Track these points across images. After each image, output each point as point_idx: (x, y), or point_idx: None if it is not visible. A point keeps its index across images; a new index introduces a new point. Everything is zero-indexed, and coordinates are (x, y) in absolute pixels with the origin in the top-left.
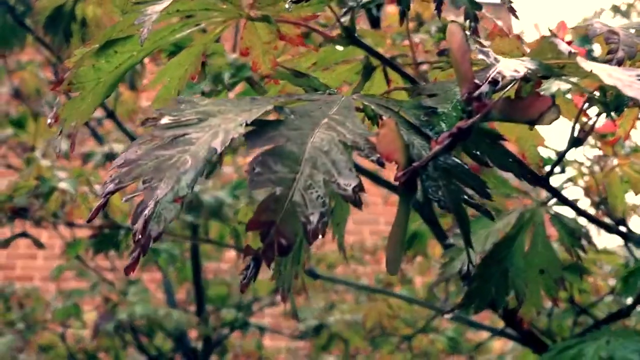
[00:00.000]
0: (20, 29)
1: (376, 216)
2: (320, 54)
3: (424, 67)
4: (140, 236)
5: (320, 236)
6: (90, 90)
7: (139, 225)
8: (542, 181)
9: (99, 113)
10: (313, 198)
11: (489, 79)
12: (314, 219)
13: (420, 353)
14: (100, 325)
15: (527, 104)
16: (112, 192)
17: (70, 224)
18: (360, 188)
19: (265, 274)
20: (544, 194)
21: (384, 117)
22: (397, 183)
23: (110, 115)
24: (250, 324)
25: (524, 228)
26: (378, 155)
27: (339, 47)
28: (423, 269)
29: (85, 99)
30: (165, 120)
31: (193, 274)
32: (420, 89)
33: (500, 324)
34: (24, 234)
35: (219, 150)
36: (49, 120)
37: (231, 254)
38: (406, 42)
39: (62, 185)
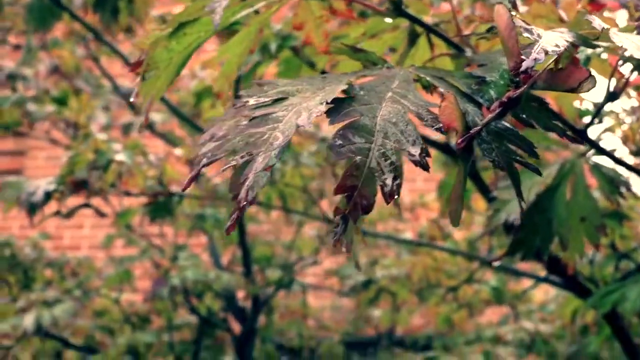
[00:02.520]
0: (56, 8)
1: (414, 175)
2: (369, 24)
3: (466, 32)
4: (244, 202)
5: (396, 196)
6: (163, 69)
7: (242, 193)
8: (581, 133)
9: (134, 84)
10: (387, 164)
11: (534, 54)
12: (389, 181)
13: (465, 303)
14: (155, 290)
15: (567, 74)
16: (206, 165)
17: (128, 193)
18: (426, 154)
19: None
20: (583, 145)
21: (439, 88)
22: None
23: None
24: (296, 281)
25: (564, 178)
26: (440, 124)
27: (388, 20)
28: (466, 222)
29: (160, 78)
30: (252, 101)
31: (239, 236)
32: (469, 59)
33: (542, 274)
34: (86, 205)
35: (306, 127)
36: (132, 98)
37: (273, 215)
38: (446, 7)
39: (119, 157)
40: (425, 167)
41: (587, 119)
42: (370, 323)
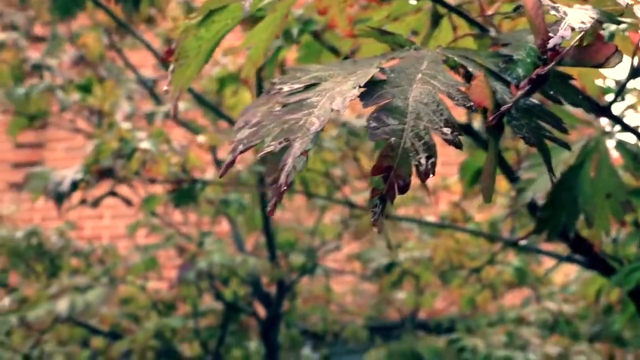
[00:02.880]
0: None
1: None
2: (392, 7)
3: (489, 12)
4: (285, 187)
5: (431, 175)
6: (193, 58)
7: (282, 178)
8: (605, 111)
9: (162, 72)
10: (421, 144)
11: (561, 31)
12: (424, 161)
13: (488, 284)
14: (182, 274)
15: (595, 50)
16: (243, 152)
17: (152, 181)
18: (459, 132)
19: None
20: (606, 122)
21: (468, 68)
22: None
23: None
24: (319, 266)
25: (589, 156)
26: (471, 103)
27: (412, 1)
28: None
29: (190, 66)
30: (286, 87)
31: (263, 221)
32: (493, 38)
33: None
34: (112, 193)
35: (341, 112)
36: (164, 87)
37: (295, 201)
38: None
39: (144, 145)
40: (459, 146)
41: (609, 97)
42: (393, 306)
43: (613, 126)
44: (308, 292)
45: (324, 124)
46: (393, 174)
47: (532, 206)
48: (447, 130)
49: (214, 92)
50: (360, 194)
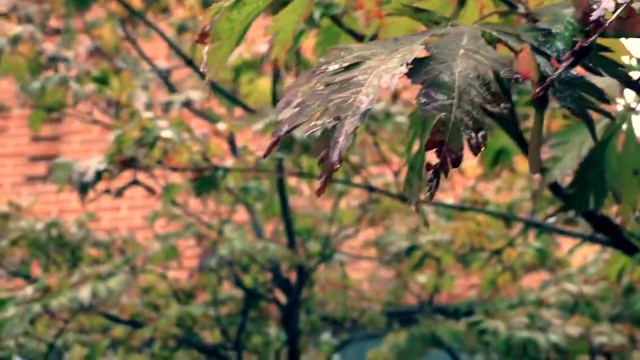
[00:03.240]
0: None
1: None
2: None
3: None
4: (338, 165)
5: (483, 147)
6: (226, 39)
7: (335, 156)
8: (635, 85)
9: (174, 62)
10: (469, 118)
11: (604, 3)
12: (474, 134)
13: (509, 266)
14: (203, 262)
15: (635, 22)
16: (288, 131)
17: (174, 169)
18: (507, 105)
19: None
20: (630, 98)
21: (509, 42)
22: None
23: (189, 63)
24: (337, 252)
25: (615, 132)
26: (517, 75)
27: None
28: (509, 184)
29: (223, 48)
30: (331, 67)
31: (281, 208)
32: (527, 14)
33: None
34: (135, 182)
35: (391, 88)
36: (202, 68)
37: (311, 188)
38: None
39: (165, 133)
40: (508, 119)
41: (635, 75)
42: (411, 292)
43: (638, 103)
44: (325, 279)
45: (373, 102)
46: (445, 148)
47: (555, 187)
48: (494, 103)
49: (230, 80)
50: (378, 178)
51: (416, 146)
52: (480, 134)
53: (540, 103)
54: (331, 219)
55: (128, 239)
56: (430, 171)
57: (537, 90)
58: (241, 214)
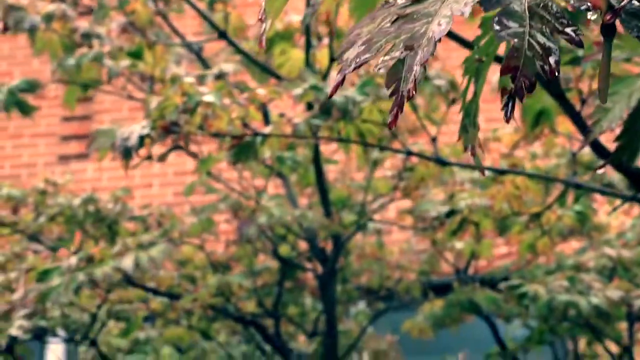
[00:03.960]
0: None
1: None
2: None
3: None
4: (414, 92)
5: (556, 73)
6: None
7: (410, 84)
8: None
9: (206, 36)
10: (541, 45)
11: None
12: (547, 61)
13: (549, 229)
14: (242, 230)
15: None
16: (355, 68)
17: (216, 135)
18: (580, 31)
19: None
20: None
21: None
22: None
23: (222, 35)
24: (372, 221)
25: None
26: (587, 4)
27: None
28: (549, 147)
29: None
30: (400, 1)
31: (316, 177)
32: None
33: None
34: (177, 147)
35: (466, 15)
36: (259, 16)
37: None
38: None
39: (207, 98)
40: (580, 45)
41: None
42: (447, 261)
43: None
44: (360, 248)
45: (445, 31)
46: (519, 74)
47: (596, 145)
48: (566, 29)
49: (262, 52)
50: (414, 145)
51: (470, 94)
52: (554, 60)
53: (608, 31)
54: (366, 188)
55: (165, 212)
56: (506, 96)
57: (608, 17)
58: (275, 187)
